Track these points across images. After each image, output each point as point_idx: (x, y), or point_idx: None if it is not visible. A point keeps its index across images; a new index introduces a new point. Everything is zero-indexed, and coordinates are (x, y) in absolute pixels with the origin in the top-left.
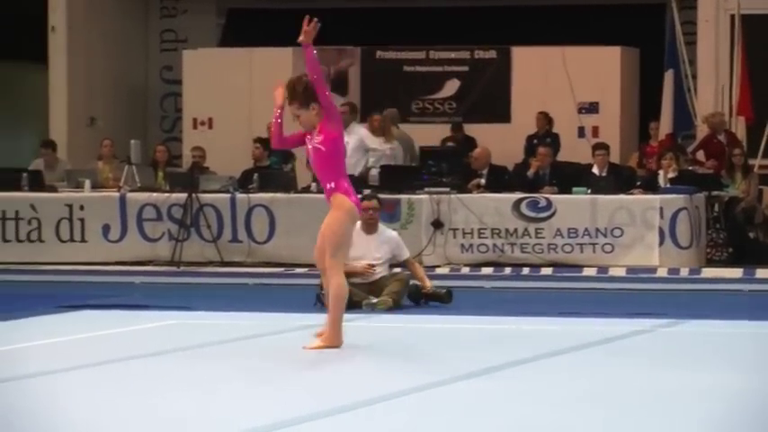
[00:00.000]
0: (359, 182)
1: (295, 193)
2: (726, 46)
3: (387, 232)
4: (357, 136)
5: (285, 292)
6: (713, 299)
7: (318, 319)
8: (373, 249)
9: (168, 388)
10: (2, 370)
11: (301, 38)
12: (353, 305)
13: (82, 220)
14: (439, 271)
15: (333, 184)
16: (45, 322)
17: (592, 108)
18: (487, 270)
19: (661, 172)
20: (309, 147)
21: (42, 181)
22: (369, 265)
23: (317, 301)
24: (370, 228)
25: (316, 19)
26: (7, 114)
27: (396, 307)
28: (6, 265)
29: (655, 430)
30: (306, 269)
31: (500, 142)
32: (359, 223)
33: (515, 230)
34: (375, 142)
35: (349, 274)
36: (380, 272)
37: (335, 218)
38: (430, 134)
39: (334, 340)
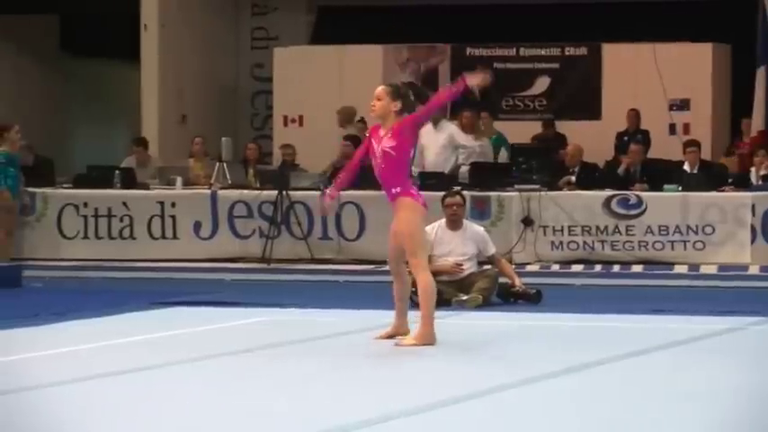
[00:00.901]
0: (449, 179)
1: None
2: None
3: (472, 227)
4: (447, 133)
5: (375, 289)
6: None
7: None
8: (460, 245)
9: (259, 385)
10: (96, 365)
11: (474, 81)
12: (443, 303)
13: (173, 218)
14: (529, 268)
15: (398, 189)
16: (137, 319)
17: (683, 105)
18: (577, 267)
19: (753, 169)
20: (378, 148)
21: (134, 178)
22: (456, 263)
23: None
24: (454, 224)
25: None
26: (99, 112)
27: (485, 304)
28: (99, 262)
29: (746, 428)
30: None
31: (590, 139)
32: (443, 220)
33: (606, 228)
34: (465, 139)
35: (437, 273)
36: (468, 268)
37: (408, 219)
38: (520, 131)
39: (427, 337)
